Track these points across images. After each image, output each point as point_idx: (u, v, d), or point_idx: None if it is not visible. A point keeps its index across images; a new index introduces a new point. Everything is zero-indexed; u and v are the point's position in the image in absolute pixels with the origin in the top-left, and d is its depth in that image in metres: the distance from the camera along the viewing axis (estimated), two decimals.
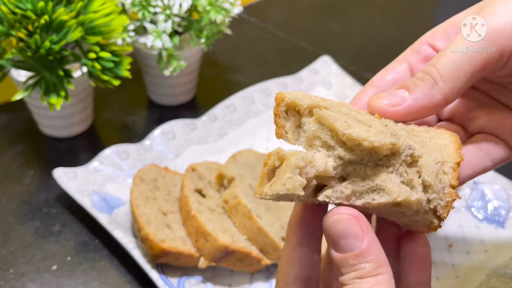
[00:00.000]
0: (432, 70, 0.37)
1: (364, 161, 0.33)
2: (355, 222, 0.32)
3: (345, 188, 0.32)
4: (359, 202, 0.32)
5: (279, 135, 0.35)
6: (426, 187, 0.33)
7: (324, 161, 0.33)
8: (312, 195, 0.33)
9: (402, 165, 0.34)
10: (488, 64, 0.37)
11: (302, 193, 0.31)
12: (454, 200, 0.34)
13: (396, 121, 0.38)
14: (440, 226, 0.34)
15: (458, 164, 0.35)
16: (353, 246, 0.32)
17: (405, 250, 0.36)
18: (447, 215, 0.33)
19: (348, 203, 0.32)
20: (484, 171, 0.40)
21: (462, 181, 0.38)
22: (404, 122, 0.39)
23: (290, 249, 0.37)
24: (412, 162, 0.34)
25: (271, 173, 0.33)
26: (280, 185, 0.31)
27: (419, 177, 0.33)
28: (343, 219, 0.32)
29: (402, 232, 0.37)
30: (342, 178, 0.33)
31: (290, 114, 0.36)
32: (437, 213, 0.34)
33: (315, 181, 0.32)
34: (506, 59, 0.38)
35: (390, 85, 0.40)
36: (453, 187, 0.34)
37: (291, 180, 0.31)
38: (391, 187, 0.32)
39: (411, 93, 0.37)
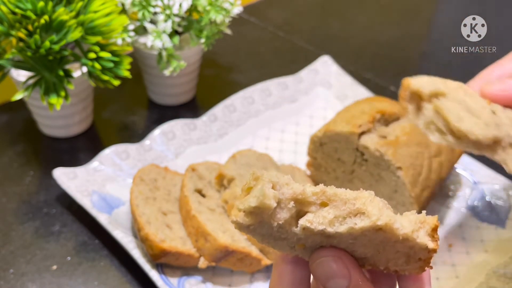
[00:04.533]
0: None
1: (469, 147, 0.41)
2: (340, 262, 0.32)
3: (327, 213, 0.32)
4: (342, 228, 0.31)
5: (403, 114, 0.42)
6: None
7: (302, 186, 0.32)
8: (294, 223, 0.32)
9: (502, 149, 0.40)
10: None
11: (274, 204, 0.30)
12: None
13: (505, 107, 0.42)
14: (430, 266, 0.33)
15: None
16: (341, 284, 0.32)
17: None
18: None
19: (333, 231, 0.31)
20: None
21: None
22: None
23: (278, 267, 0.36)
24: None
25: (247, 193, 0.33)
26: (252, 197, 0.30)
27: None
28: (328, 261, 0.32)
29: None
30: (324, 204, 0.32)
31: (413, 98, 0.45)
32: None
33: (293, 202, 0.31)
34: None
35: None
36: None
37: (262, 191, 0.30)
38: (371, 209, 0.31)
39: None
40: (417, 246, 0.32)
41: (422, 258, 0.33)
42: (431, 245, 0.32)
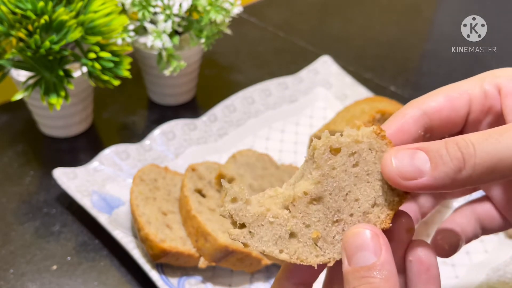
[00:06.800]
0: (469, 151, 0.30)
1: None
2: (376, 238, 0.31)
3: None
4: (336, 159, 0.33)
5: None
6: None
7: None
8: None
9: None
10: None
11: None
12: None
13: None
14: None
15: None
16: (368, 259, 0.31)
17: (411, 262, 0.35)
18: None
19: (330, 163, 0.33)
20: None
21: None
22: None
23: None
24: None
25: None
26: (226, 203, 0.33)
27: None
28: (365, 233, 0.32)
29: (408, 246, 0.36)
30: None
31: None
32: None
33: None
34: None
35: (442, 124, 0.35)
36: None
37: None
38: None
39: (433, 168, 0.31)
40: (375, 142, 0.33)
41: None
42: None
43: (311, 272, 0.34)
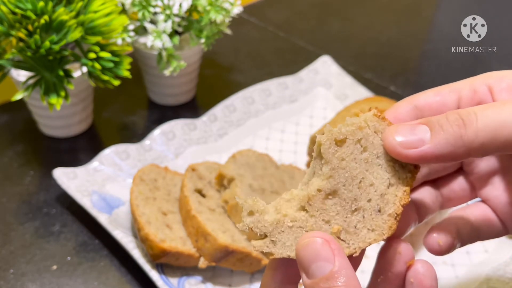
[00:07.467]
0: (471, 118, 0.31)
1: None
2: (326, 245, 0.31)
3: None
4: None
5: None
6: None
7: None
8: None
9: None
10: None
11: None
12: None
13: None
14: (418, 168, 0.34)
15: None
16: (324, 269, 0.30)
17: (412, 284, 0.35)
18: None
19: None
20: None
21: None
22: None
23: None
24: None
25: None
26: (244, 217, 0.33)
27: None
28: (314, 243, 0.31)
29: (406, 268, 0.36)
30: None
31: None
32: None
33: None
34: None
35: (431, 113, 0.35)
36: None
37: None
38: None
39: (433, 136, 0.31)
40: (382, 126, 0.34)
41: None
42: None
43: (296, 271, 0.34)
